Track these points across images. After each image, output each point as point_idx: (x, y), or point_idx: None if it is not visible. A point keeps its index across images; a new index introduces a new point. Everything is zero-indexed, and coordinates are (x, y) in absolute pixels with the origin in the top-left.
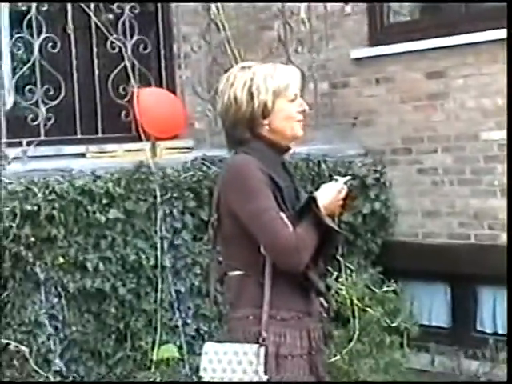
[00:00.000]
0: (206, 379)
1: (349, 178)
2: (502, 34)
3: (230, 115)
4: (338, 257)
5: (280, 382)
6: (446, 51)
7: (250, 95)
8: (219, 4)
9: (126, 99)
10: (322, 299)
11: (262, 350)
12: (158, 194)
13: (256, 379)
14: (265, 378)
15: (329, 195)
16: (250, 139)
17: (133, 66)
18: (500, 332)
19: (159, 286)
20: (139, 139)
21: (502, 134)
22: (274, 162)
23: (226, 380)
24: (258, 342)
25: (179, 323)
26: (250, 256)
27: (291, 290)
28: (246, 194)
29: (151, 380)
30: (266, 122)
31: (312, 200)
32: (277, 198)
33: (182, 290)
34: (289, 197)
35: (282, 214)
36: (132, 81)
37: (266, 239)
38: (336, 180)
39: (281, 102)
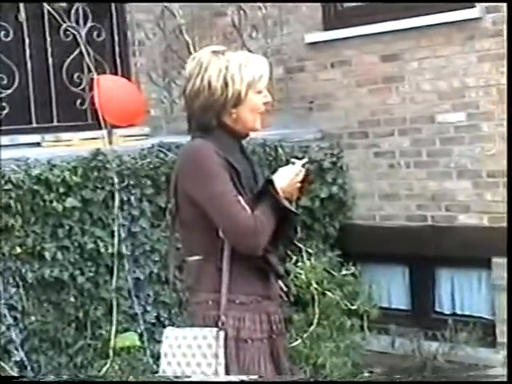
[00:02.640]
0: (165, 364)
1: (306, 160)
2: (456, 16)
3: (200, 100)
4: (296, 241)
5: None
6: (400, 34)
7: (225, 84)
8: None
9: (80, 87)
10: (281, 283)
11: (222, 333)
12: (116, 181)
13: (215, 363)
14: (223, 362)
15: (286, 178)
16: (217, 126)
17: (87, 53)
18: (458, 312)
19: (118, 273)
20: (95, 127)
21: (458, 116)
22: (231, 147)
23: (183, 364)
24: (217, 326)
25: (139, 311)
26: (209, 241)
27: (250, 274)
28: (203, 179)
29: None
30: (234, 110)
31: (269, 183)
32: (234, 181)
33: (141, 277)
34: (246, 180)
35: (240, 198)
36: (89, 68)
37: (224, 222)
38: (293, 163)
39: (251, 93)
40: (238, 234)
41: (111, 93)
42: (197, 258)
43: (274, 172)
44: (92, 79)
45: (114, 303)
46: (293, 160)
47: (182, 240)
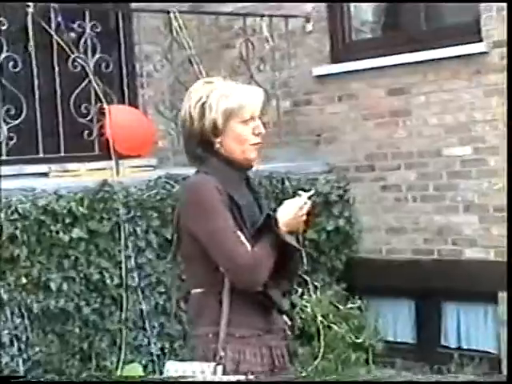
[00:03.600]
0: None
1: (312, 192)
2: (463, 50)
3: (185, 129)
4: (303, 274)
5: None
6: (407, 68)
7: (202, 112)
8: (181, 23)
9: (88, 118)
10: (285, 317)
11: (220, 368)
12: (122, 212)
13: None
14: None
15: (290, 211)
16: (207, 156)
17: (96, 84)
18: (464, 347)
19: (123, 305)
20: (102, 158)
21: (465, 150)
22: (234, 180)
23: None
24: (215, 361)
25: (144, 342)
26: (210, 274)
27: (251, 308)
28: (202, 215)
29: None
30: (218, 140)
31: (270, 218)
32: (235, 215)
33: (147, 308)
34: (249, 214)
35: (239, 233)
36: (97, 99)
37: (222, 258)
38: (299, 195)
39: (233, 123)
40: (235, 271)
41: (122, 122)
42: (198, 290)
43: (280, 204)
44: (100, 109)
45: (124, 334)
46: (299, 192)
47: (185, 273)
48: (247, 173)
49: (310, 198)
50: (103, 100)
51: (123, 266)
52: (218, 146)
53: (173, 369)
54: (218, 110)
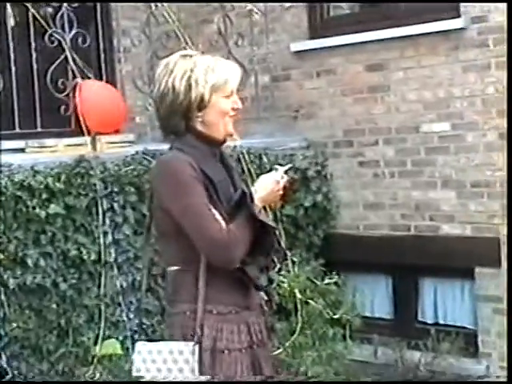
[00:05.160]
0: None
1: (288, 166)
2: (441, 26)
3: (165, 104)
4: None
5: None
6: (385, 44)
7: (189, 86)
8: None
9: (65, 93)
10: (262, 293)
11: (197, 347)
12: (99, 188)
13: (192, 377)
14: (201, 377)
15: (267, 186)
16: (184, 131)
17: (72, 59)
18: (441, 322)
19: (101, 280)
20: (79, 134)
21: (443, 126)
22: (207, 156)
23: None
24: (193, 339)
25: (122, 318)
26: (186, 251)
27: (228, 285)
28: (175, 191)
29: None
30: (200, 114)
31: (244, 195)
32: (210, 192)
33: (124, 284)
34: (224, 191)
35: (214, 210)
36: (74, 74)
37: (196, 236)
38: (276, 170)
39: (217, 97)
40: (209, 248)
41: (93, 99)
42: (175, 268)
43: (256, 180)
44: (76, 85)
45: (103, 309)
46: (276, 166)
47: (161, 251)
48: (220, 148)
49: (286, 172)
50: (77, 75)
51: (101, 241)
52: (199, 119)
53: (145, 349)
54: (207, 83)
